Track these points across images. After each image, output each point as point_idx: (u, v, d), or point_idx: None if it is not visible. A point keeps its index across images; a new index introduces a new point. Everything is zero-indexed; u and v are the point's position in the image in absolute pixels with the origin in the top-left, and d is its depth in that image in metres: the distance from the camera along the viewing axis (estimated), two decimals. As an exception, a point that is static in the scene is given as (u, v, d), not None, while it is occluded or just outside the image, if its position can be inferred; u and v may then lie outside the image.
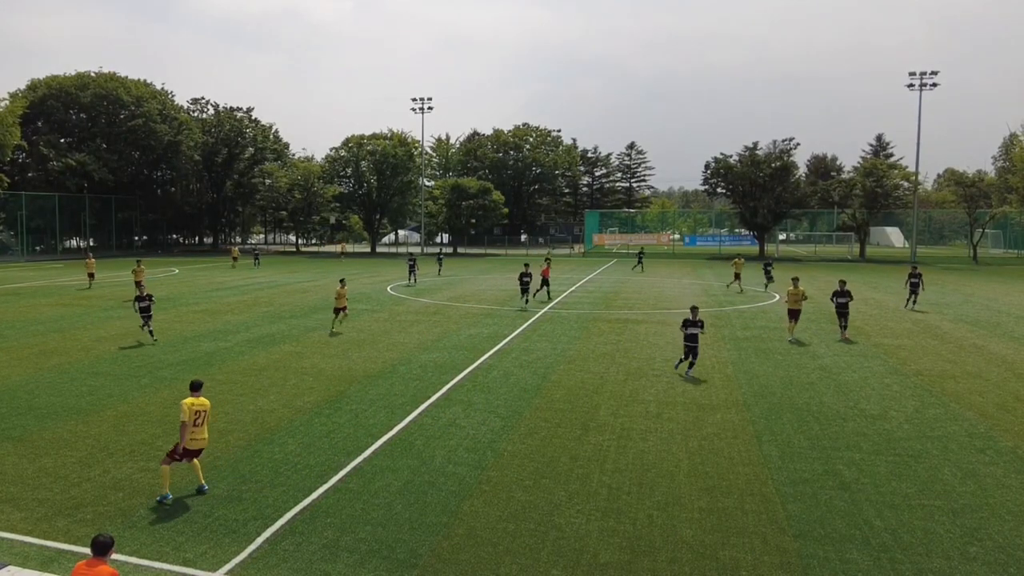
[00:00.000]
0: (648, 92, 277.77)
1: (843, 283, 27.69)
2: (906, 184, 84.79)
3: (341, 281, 28.57)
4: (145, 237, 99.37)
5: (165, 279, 49.92)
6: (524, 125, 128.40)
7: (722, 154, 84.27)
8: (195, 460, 11.58)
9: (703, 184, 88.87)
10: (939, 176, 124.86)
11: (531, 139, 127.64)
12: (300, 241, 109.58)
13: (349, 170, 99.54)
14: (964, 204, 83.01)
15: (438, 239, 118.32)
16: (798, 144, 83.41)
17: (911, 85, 78.71)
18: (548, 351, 23.08)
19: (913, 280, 34.77)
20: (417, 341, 24.75)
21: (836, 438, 14.60)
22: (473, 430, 14.70)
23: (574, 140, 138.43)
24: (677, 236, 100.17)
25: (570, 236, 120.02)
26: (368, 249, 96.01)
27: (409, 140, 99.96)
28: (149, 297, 24.93)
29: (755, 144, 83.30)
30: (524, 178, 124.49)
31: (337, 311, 27.51)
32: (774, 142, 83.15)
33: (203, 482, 11.61)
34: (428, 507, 10.93)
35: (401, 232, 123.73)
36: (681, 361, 20.46)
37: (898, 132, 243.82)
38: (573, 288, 44.34)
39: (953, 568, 9.33)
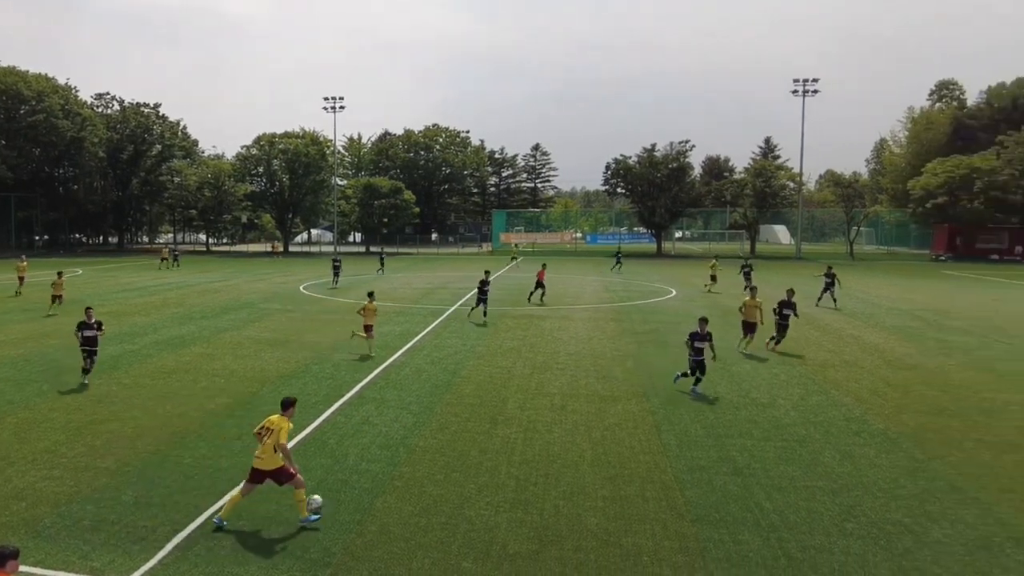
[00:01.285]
0: (553, 95, 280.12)
1: (791, 292, 24.55)
2: (792, 184, 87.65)
3: (370, 295, 23.64)
4: (46, 236, 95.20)
5: (68, 280, 48.00)
6: (434, 126, 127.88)
7: (622, 155, 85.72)
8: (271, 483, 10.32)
9: (604, 184, 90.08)
10: (821, 177, 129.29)
11: (441, 140, 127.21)
12: (211, 240, 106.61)
13: (261, 168, 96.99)
14: (842, 204, 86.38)
15: (350, 238, 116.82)
16: (693, 146, 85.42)
17: (795, 91, 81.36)
18: (458, 347, 23.09)
19: (828, 279, 35.21)
20: (330, 340, 24.38)
21: (729, 426, 15.01)
22: (386, 427, 14.59)
23: (482, 141, 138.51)
24: (579, 235, 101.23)
25: (478, 235, 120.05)
26: (281, 248, 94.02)
27: (321, 139, 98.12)
28: (98, 325, 18.36)
29: (653, 146, 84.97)
30: (434, 178, 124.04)
31: (367, 329, 22.28)
32: (671, 144, 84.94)
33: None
34: (341, 505, 10.80)
35: (314, 231, 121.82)
36: (682, 376, 18.22)
37: (785, 135, 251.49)
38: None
39: (832, 544, 9.72)
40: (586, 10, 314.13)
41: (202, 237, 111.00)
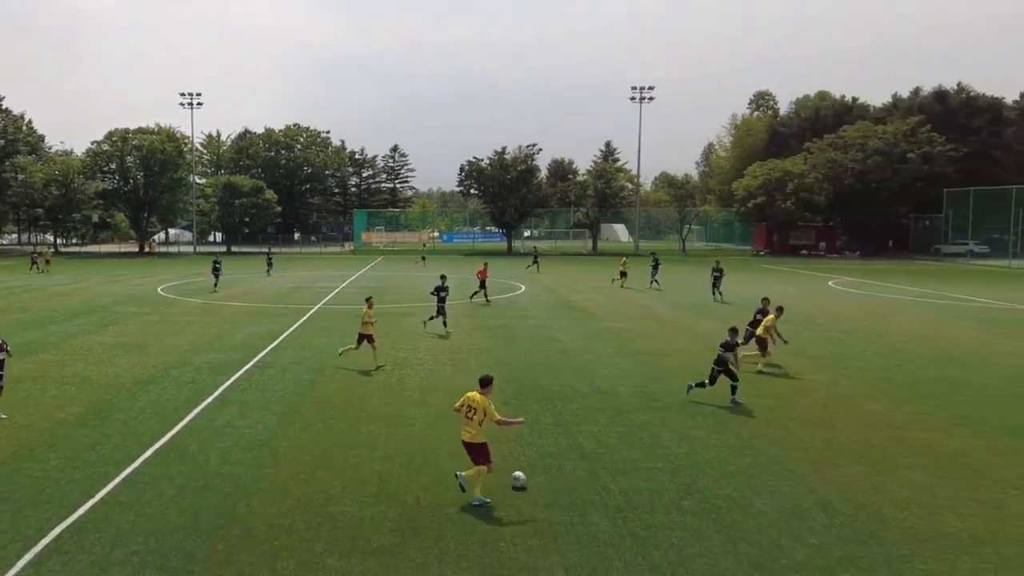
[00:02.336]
0: (412, 96, 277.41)
1: (766, 301, 21.28)
2: (629, 186, 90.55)
3: (368, 301, 20.81)
4: None
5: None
6: (295, 125, 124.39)
7: (475, 158, 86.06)
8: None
9: (459, 185, 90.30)
10: (656, 178, 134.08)
11: (302, 139, 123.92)
12: (59, 241, 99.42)
13: (113, 165, 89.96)
14: (675, 203, 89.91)
15: (210, 237, 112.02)
16: (540, 149, 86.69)
17: (633, 98, 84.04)
18: (323, 346, 22.52)
19: (716, 274, 36.29)
20: (190, 343, 23.25)
21: (576, 414, 15.34)
22: (249, 429, 14.03)
23: (343, 142, 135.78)
24: (436, 234, 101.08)
25: (340, 235, 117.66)
26: (136, 248, 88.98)
27: (178, 136, 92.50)
28: (3, 347, 15.04)
29: (504, 149, 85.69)
30: (296, 177, 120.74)
31: (367, 340, 19.66)
32: (519, 147, 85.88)
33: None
34: (203, 511, 10.27)
35: (172, 231, 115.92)
36: (698, 387, 16.49)
37: (624, 139, 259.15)
38: (344, 284, 43.68)
39: (672, 520, 10.07)
40: (441, 15, 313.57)
41: (49, 238, 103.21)
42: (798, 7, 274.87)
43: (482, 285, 34.57)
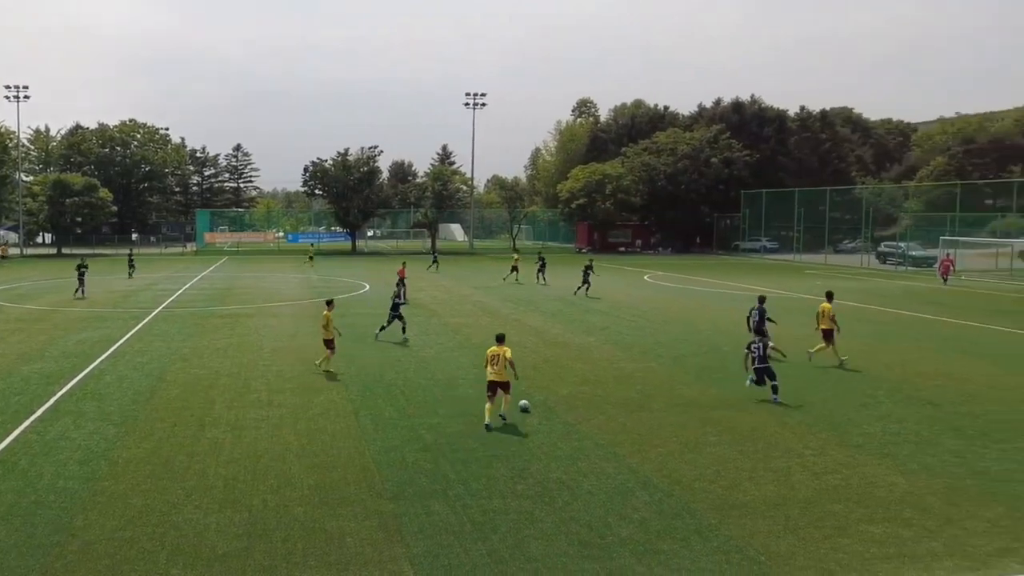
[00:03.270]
0: (254, 95, 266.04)
1: (762, 299, 20.29)
2: (464, 188, 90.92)
3: (328, 303, 19.45)
4: None
5: None
6: (131, 121, 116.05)
7: (318, 159, 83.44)
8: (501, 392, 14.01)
9: (303, 186, 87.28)
10: (488, 181, 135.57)
11: (139, 136, 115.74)
12: None
13: None
14: (505, 204, 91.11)
15: (39, 238, 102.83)
16: (382, 151, 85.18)
17: (467, 104, 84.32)
18: (163, 351, 21.23)
19: (586, 271, 36.55)
20: (18, 351, 21.17)
21: (419, 406, 15.26)
22: (85, 440, 12.92)
23: (183, 139, 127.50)
24: (281, 234, 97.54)
25: (182, 235, 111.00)
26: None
27: (2, 130, 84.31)
28: None
29: (346, 150, 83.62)
30: (133, 175, 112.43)
31: (328, 344, 18.42)
32: (362, 149, 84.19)
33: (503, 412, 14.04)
34: (37, 528, 9.37)
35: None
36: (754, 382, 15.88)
37: (459, 143, 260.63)
38: (187, 286, 41.32)
39: (508, 505, 10.17)
40: (283, 15, 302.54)
41: None
42: (620, 24, 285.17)
43: (401, 284, 33.45)
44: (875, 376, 18.21)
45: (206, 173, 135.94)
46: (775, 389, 15.66)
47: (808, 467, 11.67)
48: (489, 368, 14.02)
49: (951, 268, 46.32)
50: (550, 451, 12.50)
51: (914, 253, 59.27)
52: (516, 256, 47.27)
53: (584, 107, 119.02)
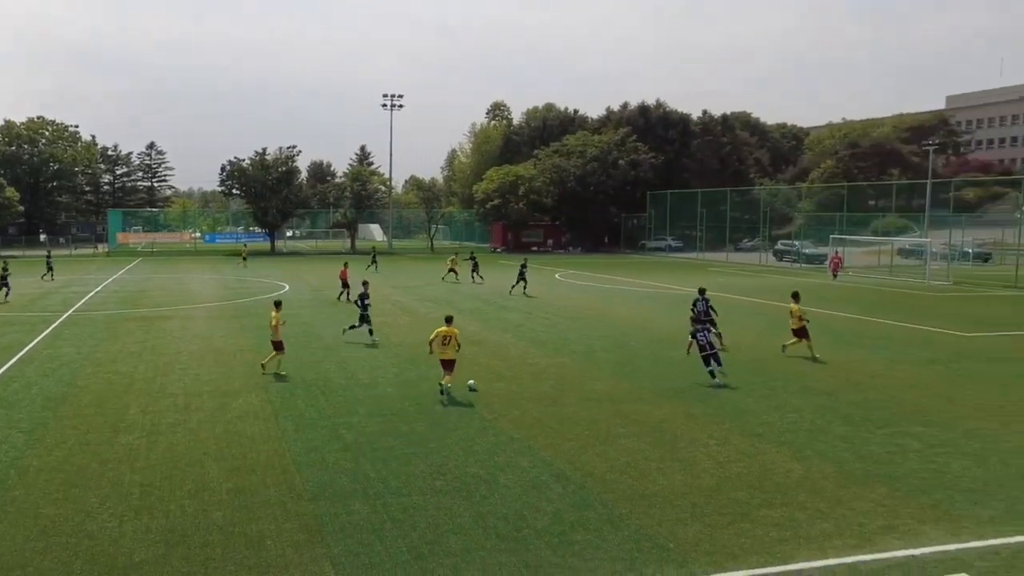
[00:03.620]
0: (168, 93, 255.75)
1: (702, 290, 22.25)
2: (383, 188, 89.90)
3: (276, 304, 18.87)
4: None
5: None
6: (39, 118, 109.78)
7: (236, 158, 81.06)
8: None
9: (220, 185, 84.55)
10: (406, 182, 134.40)
11: (47, 133, 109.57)
12: None
13: None
14: (423, 205, 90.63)
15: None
16: (300, 151, 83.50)
17: (384, 105, 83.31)
18: (74, 356, 20.23)
19: (522, 269, 36.63)
20: (-80, 358, 19.90)
21: (339, 406, 15.01)
22: (-8, 450, 12.21)
23: (93, 137, 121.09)
24: (198, 234, 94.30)
25: (93, 235, 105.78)
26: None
27: None
28: None
29: (264, 150, 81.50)
30: (41, 174, 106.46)
31: (277, 346, 17.91)
32: (280, 148, 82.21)
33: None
34: (-58, 542, 8.81)
35: None
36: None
37: (377, 144, 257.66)
38: (99, 288, 39.43)
39: (427, 501, 10.11)
40: (198, 11, 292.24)
41: None
42: (532, 29, 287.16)
43: (345, 285, 32.79)
44: (772, 368, 18.90)
45: (118, 172, 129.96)
46: (712, 375, 16.92)
47: (712, 456, 12.03)
48: (439, 347, 15.62)
49: (840, 265, 48.51)
50: (468, 446, 12.51)
51: (807, 251, 61.79)
52: (453, 257, 46.42)
53: (498, 110, 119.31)
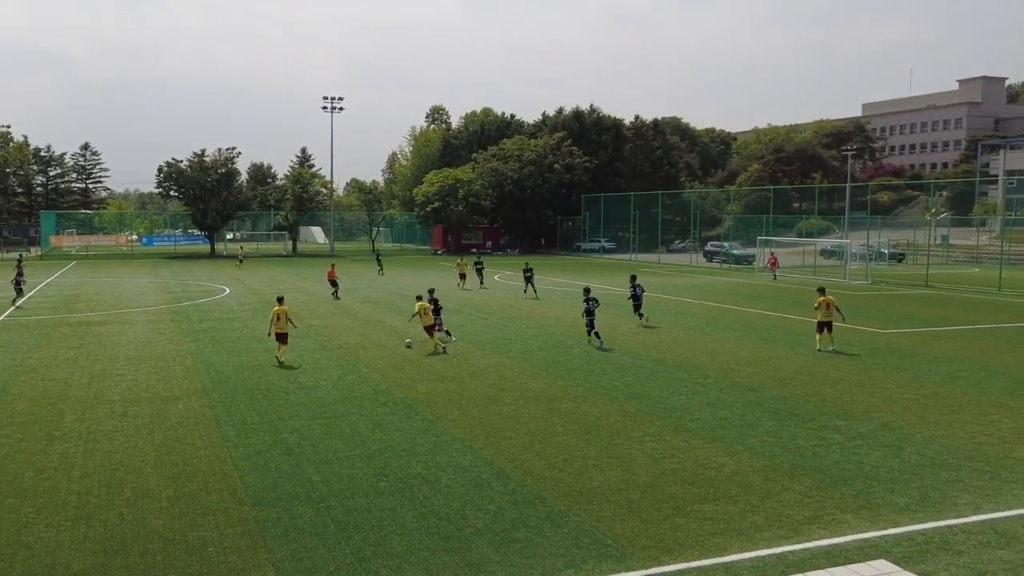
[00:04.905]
0: (103, 93, 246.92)
1: (633, 278, 26.27)
2: (324, 191, 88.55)
3: (279, 299, 20.48)
4: None
5: None
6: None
7: (173, 159, 78.70)
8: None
9: (157, 187, 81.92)
10: (347, 184, 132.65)
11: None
12: None
13: None
14: (364, 207, 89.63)
15: None
16: (240, 153, 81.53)
17: (325, 108, 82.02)
18: (6, 362, 19.33)
19: (527, 274, 35.51)
20: None
21: (281, 410, 14.72)
22: (-81, 461, 11.57)
23: (25, 137, 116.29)
24: (135, 237, 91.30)
25: (26, 238, 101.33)
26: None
27: None
28: None
29: (203, 151, 79.38)
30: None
31: (282, 337, 19.44)
32: (219, 150, 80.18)
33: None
34: None
35: None
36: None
37: (319, 146, 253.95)
38: (32, 292, 37.70)
39: (370, 503, 10.00)
40: (134, 11, 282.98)
41: None
42: (470, 34, 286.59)
43: (334, 284, 35.08)
44: (702, 365, 19.27)
45: (51, 173, 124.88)
46: (598, 335, 21.83)
47: (648, 453, 12.19)
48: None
49: (776, 264, 49.78)
50: (410, 447, 12.41)
51: (736, 252, 63.23)
52: (460, 261, 41.72)
53: (437, 114, 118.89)
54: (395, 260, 63.40)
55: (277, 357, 19.31)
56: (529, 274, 35.72)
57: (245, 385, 16.86)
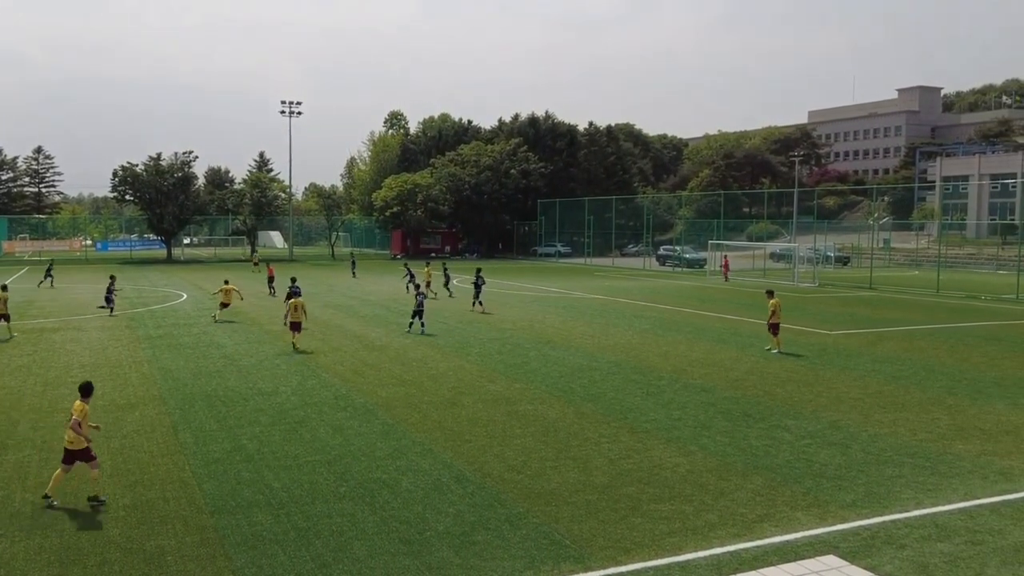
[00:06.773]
0: (57, 95, 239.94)
1: (479, 270, 31.66)
2: (283, 195, 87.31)
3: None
4: None
5: None
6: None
7: (129, 163, 76.67)
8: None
9: (112, 191, 79.67)
10: (306, 188, 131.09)
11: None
12: None
13: None
14: (324, 212, 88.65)
15: None
16: (197, 156, 79.77)
17: (283, 112, 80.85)
18: (-46, 370, 18.68)
19: (478, 283, 31.75)
20: None
21: (240, 417, 14.46)
22: None
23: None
24: (89, 242, 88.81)
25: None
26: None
27: None
28: None
29: (159, 155, 77.47)
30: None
31: (296, 326, 21.99)
32: (175, 154, 78.40)
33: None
34: None
35: None
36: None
37: (278, 151, 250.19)
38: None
39: (331, 509, 9.88)
40: (87, 10, 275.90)
41: None
42: (426, 40, 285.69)
43: (270, 280, 38.81)
44: (657, 367, 19.48)
45: (3, 177, 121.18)
46: (422, 325, 24.70)
47: (604, 454, 12.27)
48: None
49: (728, 267, 50.59)
50: (370, 452, 12.30)
51: (688, 255, 64.09)
52: (427, 269, 39.01)
53: (395, 119, 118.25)
54: (359, 265, 62.71)
55: (293, 344, 21.63)
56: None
57: (203, 391, 16.53)
